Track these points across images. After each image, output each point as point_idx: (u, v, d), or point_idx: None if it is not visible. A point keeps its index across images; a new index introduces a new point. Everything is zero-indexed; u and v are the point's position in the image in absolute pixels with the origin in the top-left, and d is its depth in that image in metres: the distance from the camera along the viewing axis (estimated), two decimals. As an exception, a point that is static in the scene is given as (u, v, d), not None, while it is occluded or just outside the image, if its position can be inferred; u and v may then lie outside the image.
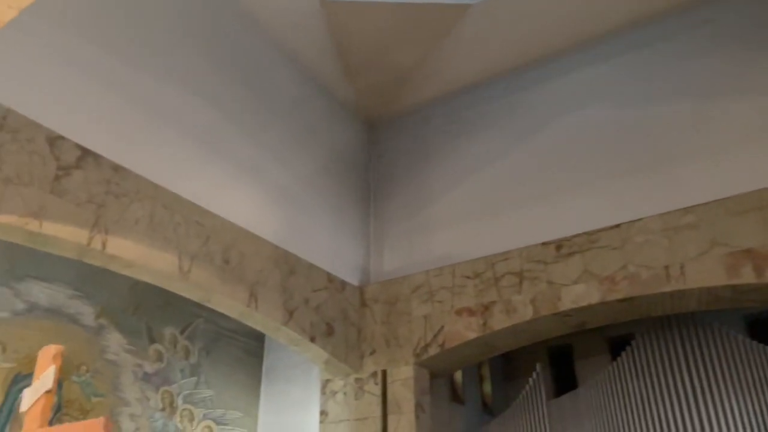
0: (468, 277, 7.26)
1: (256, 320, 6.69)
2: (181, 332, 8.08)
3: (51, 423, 6.48)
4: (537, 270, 6.84)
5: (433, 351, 7.20)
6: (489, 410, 10.01)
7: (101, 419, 3.27)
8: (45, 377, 3.94)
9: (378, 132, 9.22)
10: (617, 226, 6.53)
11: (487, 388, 10.21)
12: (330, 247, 7.91)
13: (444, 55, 8.18)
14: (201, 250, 6.11)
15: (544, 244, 6.92)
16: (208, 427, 8.06)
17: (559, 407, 8.31)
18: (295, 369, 8.81)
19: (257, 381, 9.00)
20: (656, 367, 7.68)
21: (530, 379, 8.58)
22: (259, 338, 9.24)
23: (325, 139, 8.42)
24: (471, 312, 7.08)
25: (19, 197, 4.69)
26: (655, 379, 7.63)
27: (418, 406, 7.13)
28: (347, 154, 8.78)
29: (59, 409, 6.53)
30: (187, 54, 6.62)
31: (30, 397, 3.95)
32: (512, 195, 7.51)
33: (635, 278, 6.23)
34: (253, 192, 7.00)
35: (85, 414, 6.73)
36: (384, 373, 7.46)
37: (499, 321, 6.86)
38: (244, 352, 8.93)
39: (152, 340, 7.68)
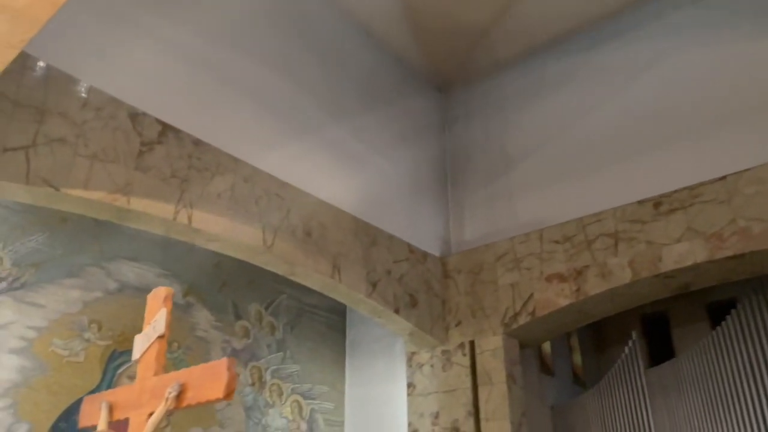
0: (557, 242, 6.90)
1: (340, 292, 6.59)
2: (266, 308, 8.11)
3: (148, 398, 6.65)
4: (634, 230, 6.40)
5: (522, 320, 6.91)
6: (580, 382, 9.63)
7: (224, 360, 3.31)
8: (157, 321, 3.95)
9: (452, 97, 8.90)
10: (722, 178, 6.00)
11: (577, 359, 9.82)
12: (409, 217, 7.72)
13: (519, 12, 7.75)
14: (283, 222, 6.04)
15: (640, 202, 6.47)
16: (297, 401, 8.09)
17: (656, 377, 7.86)
18: (379, 342, 8.71)
19: (341, 355, 8.97)
20: (764, 333, 7.08)
21: (626, 348, 8.15)
22: (341, 313, 9.20)
23: (399, 107, 8.19)
24: (562, 278, 6.73)
25: (106, 174, 4.72)
26: (762, 347, 7.04)
27: (510, 377, 6.88)
28: (422, 121, 8.52)
29: (155, 384, 6.65)
30: (263, 29, 6.52)
31: (142, 344, 3.95)
32: (602, 153, 7.06)
33: (746, 233, 5.71)
34: (330, 163, 6.87)
35: (179, 389, 6.83)
36: (472, 344, 7.23)
37: (594, 286, 6.49)
38: (327, 327, 8.90)
39: (238, 317, 7.74)
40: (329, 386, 8.58)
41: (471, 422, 6.88)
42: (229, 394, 3.40)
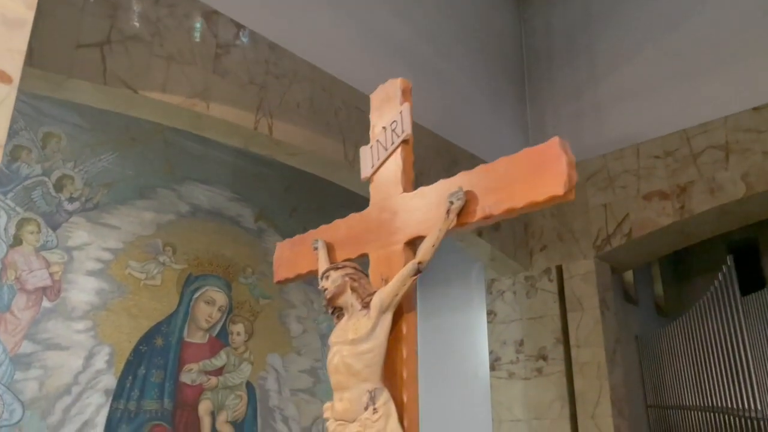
0: (657, 157, 6.31)
1: (422, 213, 6.18)
2: (336, 235, 7.79)
3: (224, 324, 6.48)
4: (748, 140, 5.77)
5: (616, 242, 6.42)
6: (662, 312, 9.16)
7: (555, 139, 2.43)
8: (396, 123, 3.05)
9: (530, 7, 8.19)
10: None
11: (659, 288, 9.32)
12: (488, 136, 7.19)
13: None
14: (364, 137, 5.57)
15: (755, 109, 5.80)
16: (370, 330, 7.84)
17: (753, 305, 7.32)
18: (453, 269, 8.35)
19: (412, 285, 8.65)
20: None
21: (720, 275, 7.59)
22: (410, 242, 8.85)
23: (478, 18, 7.55)
24: (664, 195, 6.18)
25: (184, 77, 4.33)
26: None
27: (602, 303, 6.45)
28: (499, 33, 7.87)
29: (230, 310, 6.47)
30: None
31: (373, 155, 3.13)
32: (706, 57, 6.34)
33: None
34: (409, 77, 6.33)
35: (255, 315, 6.66)
36: (559, 268, 6.80)
37: (701, 203, 5.92)
38: (398, 256, 8.56)
39: (310, 243, 7.44)
40: (401, 315, 8.30)
41: (560, 349, 6.52)
42: (570, 190, 2.32)
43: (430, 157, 6.25)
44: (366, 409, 2.51)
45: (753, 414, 6.72)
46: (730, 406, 6.95)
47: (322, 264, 3.09)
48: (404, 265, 2.70)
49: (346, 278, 2.75)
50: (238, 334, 6.46)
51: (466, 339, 7.93)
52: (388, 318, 2.66)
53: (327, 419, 2.71)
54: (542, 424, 6.44)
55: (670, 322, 8.08)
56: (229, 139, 4.87)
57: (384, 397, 2.56)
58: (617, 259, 6.63)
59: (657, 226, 6.15)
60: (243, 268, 6.69)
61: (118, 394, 5.45)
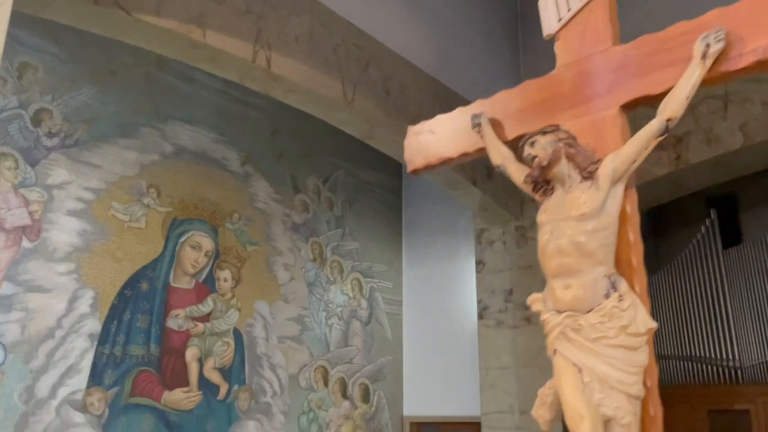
0: (654, 107, 6.23)
1: (418, 159, 6.02)
2: (324, 183, 7.61)
3: (211, 270, 6.28)
4: (748, 90, 5.72)
5: (610, 192, 6.37)
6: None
7: None
8: None
9: (526, -49, 7.93)
10: None
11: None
12: (483, 82, 7.00)
13: None
14: (362, 76, 5.38)
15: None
16: (357, 279, 7.77)
17: (733, 258, 7.45)
18: (440, 220, 8.28)
19: (398, 234, 8.57)
20: None
21: (702, 227, 7.69)
22: (397, 191, 8.72)
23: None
24: (660, 145, 6.06)
25: (179, 0, 4.03)
26: None
27: (594, 252, 6.43)
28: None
29: (217, 256, 6.28)
30: None
31: (558, 8, 2.60)
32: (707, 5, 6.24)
33: None
34: (407, 15, 6.10)
35: (242, 262, 6.48)
36: (551, 218, 6.74)
37: (698, 153, 5.89)
38: (384, 205, 8.44)
39: (297, 190, 7.25)
40: (387, 265, 8.24)
41: (550, 299, 6.52)
42: None
43: (429, 103, 6.07)
44: (607, 296, 2.13)
45: (731, 363, 6.89)
46: (709, 355, 7.11)
47: (492, 143, 2.66)
48: (620, 132, 2.31)
49: (560, 144, 2.32)
50: (225, 280, 6.28)
51: (452, 289, 7.91)
52: (620, 190, 2.26)
53: (540, 312, 2.36)
54: (531, 371, 6.48)
55: (650, 275, 8.18)
56: (225, 71, 4.60)
57: (625, 283, 2.15)
58: (609, 209, 6.60)
59: (651, 176, 6.11)
60: (230, 213, 6.47)
61: (103, 338, 5.25)
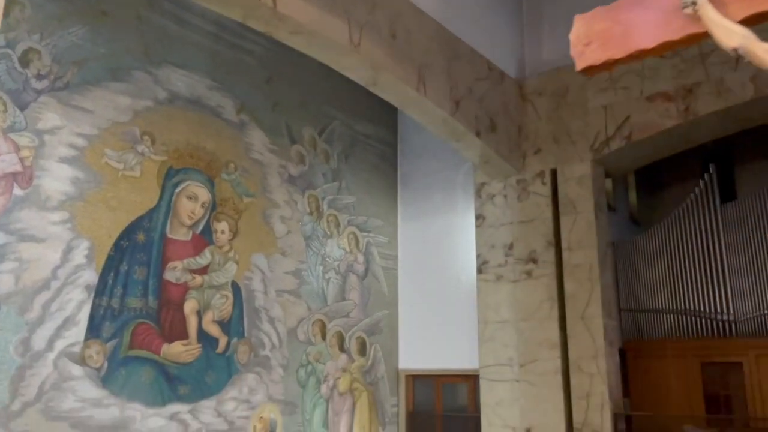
0: (663, 57, 6.10)
1: (423, 108, 5.85)
2: (319, 134, 7.40)
3: (208, 222, 6.10)
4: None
5: (615, 145, 6.30)
6: (635, 220, 9.32)
7: None
8: None
9: None
10: None
11: (633, 197, 9.43)
12: (487, 31, 6.81)
13: None
14: (368, 18, 5.15)
15: (770, 9, 5.62)
16: (353, 233, 7.65)
17: (731, 213, 7.46)
18: (437, 175, 8.15)
19: (394, 189, 8.44)
20: None
21: (701, 182, 7.66)
22: (392, 145, 8.55)
23: None
24: (668, 97, 6.03)
25: (182, -72, 3.74)
26: None
27: (597, 206, 6.39)
28: None
29: (214, 207, 6.09)
30: None
31: None
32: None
33: None
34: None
35: (239, 214, 6.30)
36: (553, 172, 6.67)
37: (707, 105, 5.81)
38: (380, 159, 8.28)
39: (293, 141, 7.04)
40: (383, 220, 8.12)
41: (551, 252, 6.49)
42: None
43: (434, 49, 5.87)
44: None
45: (725, 317, 6.95)
46: (703, 309, 7.16)
47: (720, 23, 2.30)
48: None
49: None
50: (222, 232, 6.11)
51: (449, 243, 7.84)
52: None
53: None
54: (530, 324, 6.48)
55: (646, 229, 8.19)
56: (228, 8, 4.34)
57: None
58: (613, 162, 6.54)
59: (659, 128, 6.04)
60: (225, 163, 6.26)
61: (101, 290, 5.08)
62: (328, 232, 7.31)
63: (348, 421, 7.12)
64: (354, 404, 7.24)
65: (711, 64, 5.83)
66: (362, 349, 7.48)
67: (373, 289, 7.82)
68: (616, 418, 5.93)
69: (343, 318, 7.32)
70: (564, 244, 6.43)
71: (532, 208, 6.71)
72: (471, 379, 7.53)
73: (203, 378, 5.71)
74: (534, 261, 6.57)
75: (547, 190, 6.64)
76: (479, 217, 7.09)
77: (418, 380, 8.00)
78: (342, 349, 7.22)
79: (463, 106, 6.11)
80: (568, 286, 6.33)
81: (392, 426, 7.73)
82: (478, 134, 6.27)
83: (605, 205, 6.60)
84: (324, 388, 6.91)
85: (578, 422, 6.02)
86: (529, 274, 6.59)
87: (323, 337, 7.01)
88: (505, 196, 6.92)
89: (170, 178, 5.76)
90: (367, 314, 7.64)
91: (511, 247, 6.77)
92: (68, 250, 4.91)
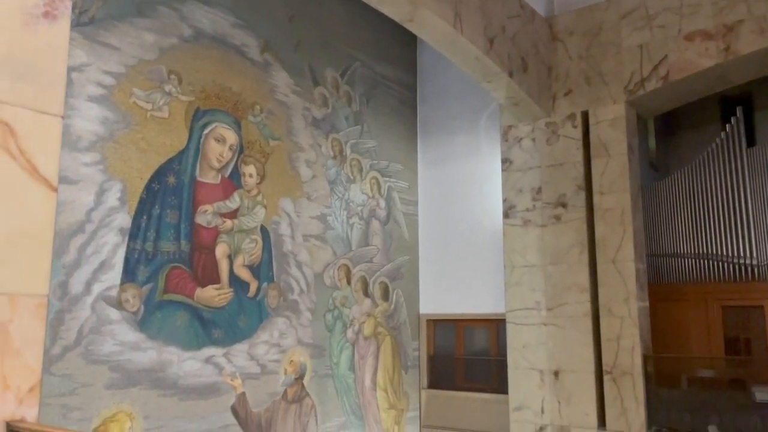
0: (704, -6, 5.92)
1: (458, 46, 5.66)
2: (341, 75, 7.20)
3: (236, 165, 5.97)
4: (808, -24, 5.44)
5: (651, 86, 6.16)
6: (653, 165, 9.26)
7: None
8: None
9: None
10: None
11: (652, 142, 9.34)
12: (518, -34, 6.56)
13: None
14: (407, -51, 4.91)
15: (820, -58, 5.42)
16: (375, 178, 7.54)
17: (757, 157, 7.40)
18: (457, 119, 8.01)
19: (414, 133, 8.29)
20: None
21: (727, 126, 7.56)
22: (412, 88, 8.36)
23: None
24: (707, 35, 5.87)
25: None
26: None
27: (630, 149, 6.30)
28: None
29: (241, 150, 5.94)
30: None
31: None
32: None
33: None
34: None
35: (266, 157, 6.16)
36: (585, 114, 6.54)
37: (749, 44, 5.66)
38: (400, 102, 8.10)
39: (316, 83, 6.85)
40: (403, 165, 8.01)
41: (581, 196, 6.43)
42: None
43: (467, -17, 5.63)
44: None
45: (749, 261, 6.97)
46: (725, 253, 7.18)
47: None
48: None
49: None
50: (250, 175, 5.98)
51: (471, 188, 7.76)
52: None
53: None
54: (558, 269, 6.47)
55: (665, 175, 8.15)
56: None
57: None
58: (647, 104, 6.42)
59: (697, 68, 5.90)
60: (251, 105, 6.07)
61: (134, 234, 4.98)
62: (351, 177, 7.19)
63: (373, 365, 7.18)
64: (378, 348, 7.28)
65: (753, 1, 5.66)
66: (385, 294, 7.48)
67: (395, 235, 7.77)
68: (646, 359, 5.99)
69: (367, 263, 7.28)
70: (595, 188, 6.36)
71: (561, 151, 6.61)
72: (493, 324, 7.58)
73: (236, 322, 5.68)
74: (563, 205, 6.52)
75: (577, 132, 6.53)
76: (506, 161, 6.99)
77: (439, 325, 8.04)
78: (366, 294, 7.21)
79: (497, 45, 5.92)
80: (599, 230, 6.30)
81: (414, 369, 7.81)
82: (510, 74, 6.10)
83: (638, 148, 6.50)
84: (350, 333, 6.93)
85: (608, 364, 6.08)
86: (558, 218, 6.55)
87: (348, 282, 6.99)
88: (534, 140, 6.81)
89: (198, 119, 5.59)
90: (389, 259, 7.61)
91: (539, 191, 6.70)
92: (101, 193, 4.78)
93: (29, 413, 1.81)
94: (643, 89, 6.18)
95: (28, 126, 1.89)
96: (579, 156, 6.48)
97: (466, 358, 7.76)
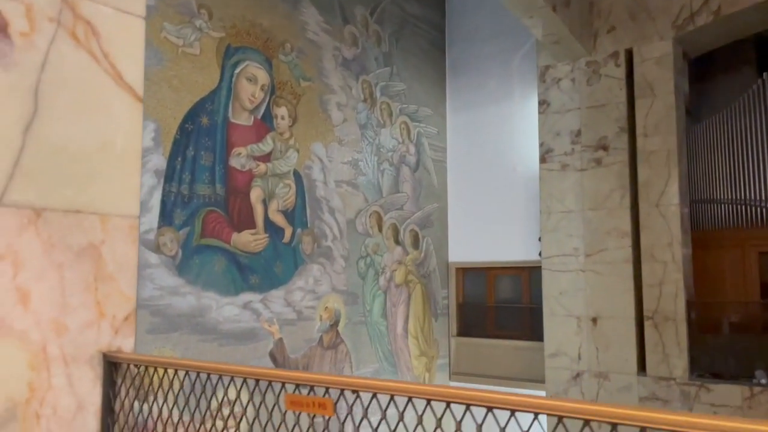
0: None
1: (502, -23, 5.35)
2: (371, 14, 6.88)
3: (268, 106, 5.74)
4: None
5: (701, 21, 5.86)
6: (687, 110, 8.96)
7: None
8: None
9: None
10: None
11: (686, 85, 9.01)
12: None
13: None
14: None
15: None
16: (405, 122, 7.30)
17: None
18: (488, 62, 7.71)
19: (443, 77, 8.01)
20: None
21: (764, 74, 7.28)
22: (440, 29, 8.03)
23: None
24: (765, -34, 5.53)
25: None
26: None
27: (677, 88, 6.04)
28: None
29: (273, 91, 5.70)
30: None
31: None
32: None
33: None
34: None
35: (297, 98, 5.92)
36: (629, 52, 6.25)
37: (811, -26, 5.34)
38: (429, 44, 7.79)
39: (345, 21, 6.54)
40: (432, 109, 7.76)
41: (623, 138, 6.20)
42: None
43: None
44: None
45: (789, 205, 6.78)
46: (763, 198, 6.98)
47: None
48: None
49: None
50: (282, 118, 5.76)
51: (504, 133, 7.53)
52: None
53: None
54: (598, 214, 6.30)
55: (699, 121, 7.88)
56: None
57: None
58: (695, 41, 6.14)
59: (751, 1, 5.59)
60: (282, 43, 5.80)
61: (169, 176, 4.79)
62: (382, 121, 6.95)
63: (404, 312, 7.09)
64: (409, 296, 7.18)
65: (819, -73, 5.31)
66: (415, 242, 7.34)
67: (424, 182, 7.58)
68: (689, 305, 5.87)
69: (397, 210, 7.11)
70: (639, 130, 6.13)
71: (603, 91, 6.35)
72: (525, 271, 7.46)
73: (272, 268, 5.55)
74: (604, 148, 6.30)
75: (620, 72, 6.25)
76: (543, 103, 6.73)
77: (468, 273, 7.92)
78: (397, 241, 7.07)
79: (541, -23, 5.60)
80: (642, 174, 6.09)
81: (444, 317, 7.73)
82: (554, 8, 5.79)
83: (685, 88, 6.24)
84: (382, 280, 6.81)
85: (649, 310, 5.97)
86: (598, 162, 6.33)
87: (380, 230, 6.84)
88: (573, 80, 6.54)
89: (229, 57, 5.33)
90: (418, 207, 7.44)
91: (578, 134, 6.47)
92: (135, 132, 4.56)
93: (125, 343, 1.66)
94: (693, 24, 5.88)
95: (111, 26, 1.68)
96: (622, 96, 6.22)
97: (497, 306, 7.67)
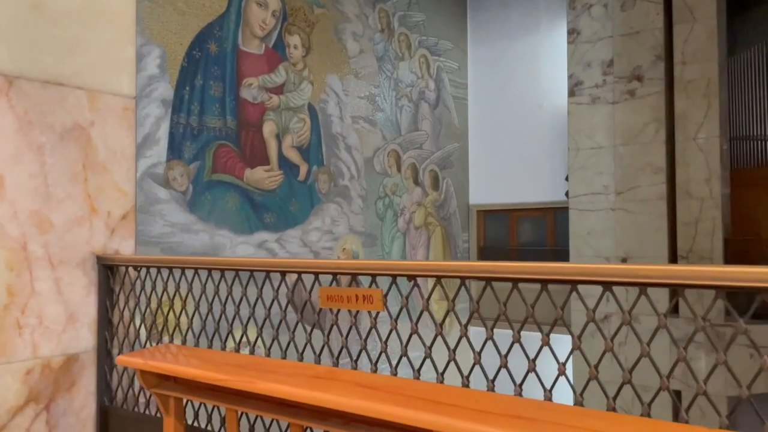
0: None
1: None
2: (388, -62, 6.43)
3: (280, 34, 5.39)
4: None
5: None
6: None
7: None
8: None
9: None
10: None
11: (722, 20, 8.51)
12: None
13: None
14: None
15: None
16: (424, 56, 6.91)
17: None
18: (515, -10, 7.24)
19: (463, 9, 7.56)
20: None
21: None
22: (461, -43, 7.55)
23: None
24: None
25: None
26: None
27: (719, 11, 5.60)
28: None
29: (285, 18, 5.33)
30: None
31: None
32: None
33: None
34: None
35: (311, 27, 5.55)
36: (667, -27, 5.79)
37: None
38: (449, -28, 7.33)
39: (361, -56, 6.11)
40: (453, 43, 7.34)
41: (659, 68, 5.79)
42: None
43: None
44: None
45: (834, 141, 6.38)
46: (807, 134, 6.58)
47: None
48: None
49: None
50: (295, 47, 5.40)
51: (529, 67, 7.12)
52: None
53: None
54: (630, 149, 5.95)
55: (731, 56, 7.41)
56: None
57: None
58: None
59: None
60: (294, -35, 5.41)
61: (177, 106, 4.50)
62: (400, 54, 6.57)
63: (424, 255, 6.85)
64: (429, 239, 6.92)
65: None
66: (435, 183, 7.04)
67: (444, 120, 7.23)
68: (727, 243, 5.57)
69: (416, 150, 6.80)
70: (677, 58, 5.71)
71: (638, 17, 5.91)
72: (550, 212, 7.16)
73: (287, 207, 5.29)
74: (638, 78, 5.90)
75: (658, -6, 5.80)
76: (572, 32, 6.30)
77: (489, 215, 7.64)
78: (416, 182, 6.77)
79: None
80: (679, 105, 5.71)
81: (464, 261, 7.48)
82: (587, -75, 5.33)
83: (726, 10, 5.79)
84: (401, 222, 6.55)
85: (683, 249, 5.67)
86: (631, 93, 5.94)
87: (398, 169, 6.54)
88: (605, 6, 6.09)
89: (237, -24, 4.96)
90: (438, 146, 7.11)
91: (610, 64, 6.06)
92: (139, 58, 4.25)
93: (123, 245, 1.39)
94: (740, -60, 5.39)
95: None
96: (659, 22, 5.78)
97: (520, 248, 7.40)
